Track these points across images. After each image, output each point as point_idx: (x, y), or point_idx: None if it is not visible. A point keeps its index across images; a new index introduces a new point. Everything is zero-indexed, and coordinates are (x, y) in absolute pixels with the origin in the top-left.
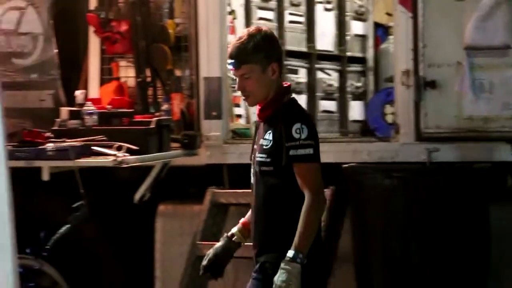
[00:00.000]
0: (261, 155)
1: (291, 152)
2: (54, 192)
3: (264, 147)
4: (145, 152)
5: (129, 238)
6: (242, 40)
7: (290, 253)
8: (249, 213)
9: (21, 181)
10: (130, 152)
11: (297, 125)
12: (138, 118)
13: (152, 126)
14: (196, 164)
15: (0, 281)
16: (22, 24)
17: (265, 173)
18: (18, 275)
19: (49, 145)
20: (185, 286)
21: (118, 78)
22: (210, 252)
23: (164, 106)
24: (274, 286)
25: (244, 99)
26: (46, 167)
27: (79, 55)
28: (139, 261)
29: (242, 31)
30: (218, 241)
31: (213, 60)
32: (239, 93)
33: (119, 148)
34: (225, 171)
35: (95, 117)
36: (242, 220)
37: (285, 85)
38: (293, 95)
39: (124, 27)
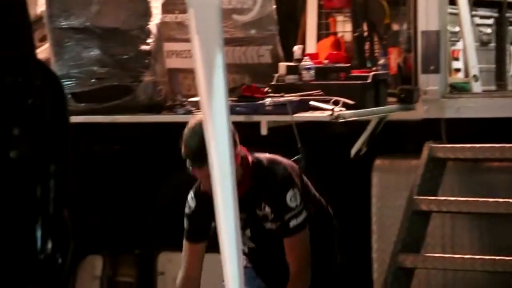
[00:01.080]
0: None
1: (292, 224)
2: (272, 146)
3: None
4: (361, 107)
5: (345, 193)
6: (196, 140)
7: None
8: None
9: (240, 135)
10: (347, 106)
11: (290, 193)
12: (355, 72)
13: (369, 80)
14: (412, 119)
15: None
16: None
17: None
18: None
19: (268, 100)
20: (402, 240)
21: (335, 33)
22: None
23: (381, 61)
24: None
25: None
26: (264, 122)
27: (297, 11)
28: (355, 215)
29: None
30: (436, 195)
31: (431, 13)
32: (458, 46)
33: (335, 103)
34: (442, 126)
35: (312, 72)
36: None
37: (243, 151)
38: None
39: None
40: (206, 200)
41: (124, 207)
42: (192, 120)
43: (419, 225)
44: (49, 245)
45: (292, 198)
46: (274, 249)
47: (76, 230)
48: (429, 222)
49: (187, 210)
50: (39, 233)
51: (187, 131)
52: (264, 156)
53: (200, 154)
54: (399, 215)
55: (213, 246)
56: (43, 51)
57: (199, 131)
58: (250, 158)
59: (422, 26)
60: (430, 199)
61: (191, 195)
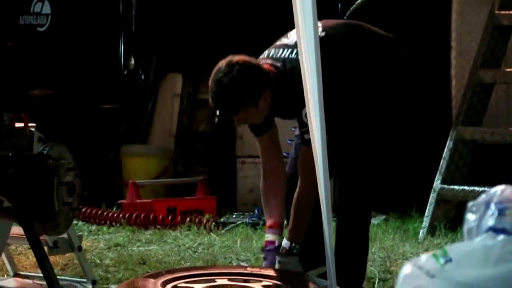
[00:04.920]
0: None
1: (306, 137)
2: None
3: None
4: None
5: (425, 9)
6: (222, 89)
7: (287, 245)
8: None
9: None
10: None
11: (304, 110)
12: None
13: None
14: None
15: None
16: None
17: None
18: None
19: None
20: (482, 55)
21: None
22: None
23: None
24: None
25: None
26: None
27: None
28: (436, 31)
29: (217, 68)
30: None
31: None
32: None
33: None
34: None
35: None
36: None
37: (266, 69)
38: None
39: None
40: None
41: (204, 24)
42: (217, 66)
43: (499, 40)
44: (132, 61)
45: (305, 114)
46: None
47: (157, 48)
48: (509, 37)
49: None
50: (121, 49)
51: (212, 82)
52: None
53: (223, 111)
54: (479, 31)
55: None
56: None
57: (225, 80)
58: (276, 84)
59: None
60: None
61: None
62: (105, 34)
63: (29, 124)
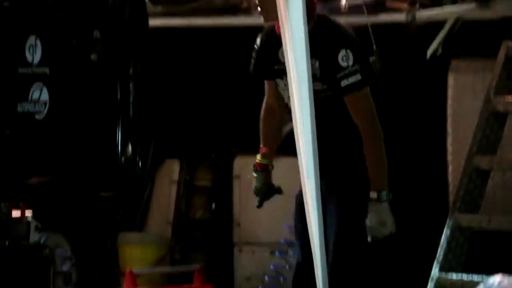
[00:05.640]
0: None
1: (343, 83)
2: None
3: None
4: (438, 4)
5: (420, 94)
6: None
7: (373, 194)
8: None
9: None
10: (423, 6)
11: (342, 52)
12: None
13: None
14: (490, 18)
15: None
16: None
17: (324, 100)
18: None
19: (344, 1)
20: (478, 142)
21: None
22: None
23: None
24: (368, 229)
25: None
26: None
27: None
28: (431, 116)
29: None
30: None
31: None
32: None
33: (412, 3)
34: None
35: None
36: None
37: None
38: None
39: None
40: (271, 38)
41: (201, 112)
42: None
43: (495, 126)
44: (129, 148)
45: (344, 58)
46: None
47: (154, 134)
48: (505, 123)
49: (255, 47)
50: (119, 136)
51: None
52: (335, 19)
53: None
54: (475, 116)
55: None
56: None
57: None
58: (320, 14)
59: None
60: (507, 99)
61: (259, 35)
62: (103, 121)
63: (26, 212)
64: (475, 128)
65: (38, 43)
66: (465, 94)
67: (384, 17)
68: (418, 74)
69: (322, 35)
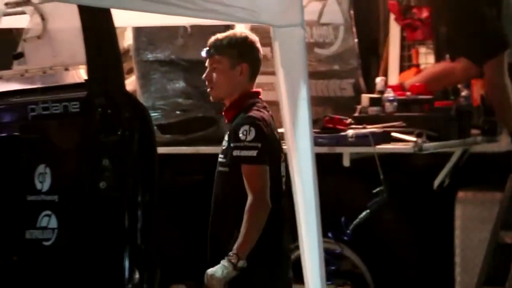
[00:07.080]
0: (220, 156)
1: (235, 153)
2: (354, 178)
3: (223, 147)
4: (445, 139)
5: (427, 224)
6: (224, 35)
7: (232, 254)
8: None
9: (323, 167)
10: (430, 138)
11: (245, 127)
12: (438, 104)
13: (452, 112)
14: (496, 151)
15: (309, 261)
16: (324, 15)
17: (223, 174)
18: (323, 256)
19: (350, 132)
20: (486, 273)
21: (418, 65)
22: None
23: (464, 92)
24: (205, 275)
25: (208, 91)
26: (346, 153)
27: (378, 43)
28: (438, 247)
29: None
30: None
31: None
32: None
33: (419, 135)
34: None
35: (395, 103)
36: None
37: (253, 90)
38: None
39: (424, 14)
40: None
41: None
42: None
43: (503, 258)
44: (136, 276)
45: (244, 132)
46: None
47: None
48: None
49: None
50: (126, 264)
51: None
52: (257, 111)
53: (212, 46)
54: (483, 247)
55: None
56: (130, 83)
57: (227, 35)
58: (248, 103)
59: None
60: None
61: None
62: (110, 248)
63: None
64: (483, 259)
65: (48, 171)
66: (472, 225)
67: (390, 147)
68: (425, 204)
69: (236, 118)
